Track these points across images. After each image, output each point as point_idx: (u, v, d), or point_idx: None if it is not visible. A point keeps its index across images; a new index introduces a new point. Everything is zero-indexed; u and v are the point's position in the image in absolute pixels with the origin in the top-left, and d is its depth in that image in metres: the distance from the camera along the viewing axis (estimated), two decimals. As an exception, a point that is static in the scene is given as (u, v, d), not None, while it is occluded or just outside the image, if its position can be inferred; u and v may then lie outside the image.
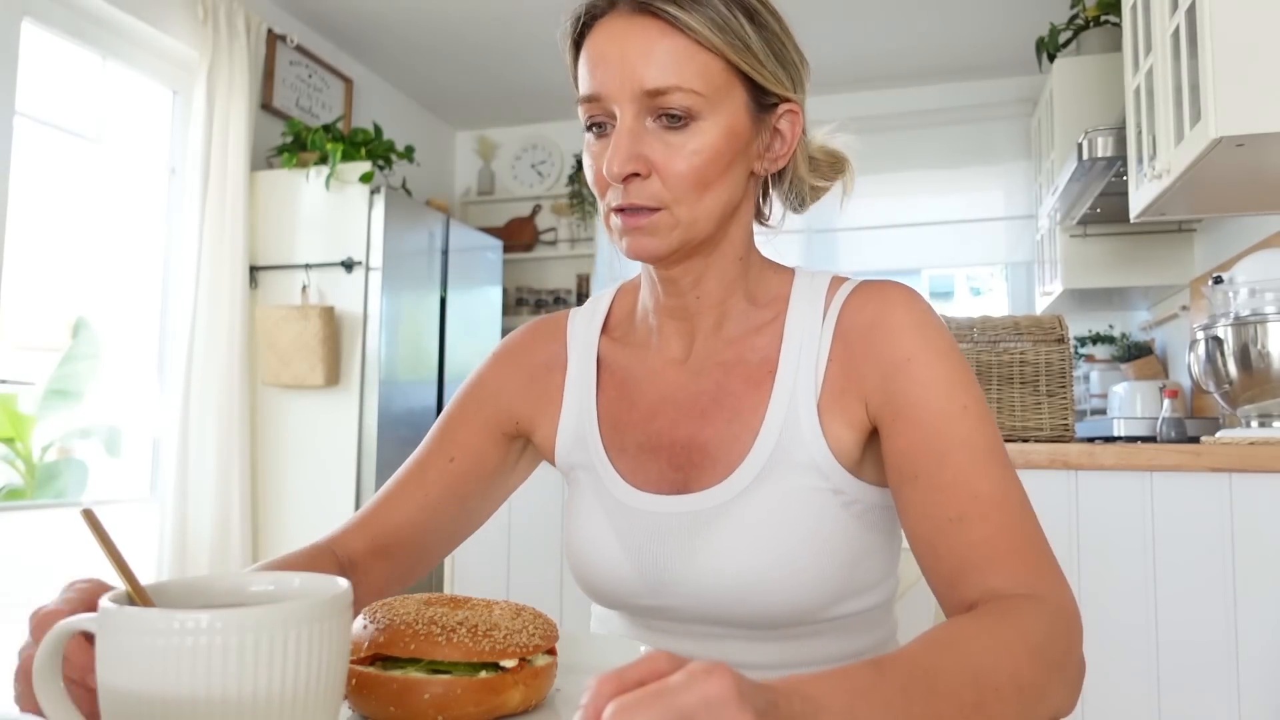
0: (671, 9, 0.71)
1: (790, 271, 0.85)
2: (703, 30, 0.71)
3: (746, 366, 0.81)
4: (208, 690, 0.41)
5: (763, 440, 0.77)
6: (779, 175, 0.83)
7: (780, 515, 0.75)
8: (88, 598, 0.55)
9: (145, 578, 0.50)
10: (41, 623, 0.53)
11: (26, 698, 0.53)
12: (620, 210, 0.73)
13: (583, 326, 0.89)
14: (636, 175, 0.72)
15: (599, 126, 0.75)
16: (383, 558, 0.85)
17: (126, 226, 3.01)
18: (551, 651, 0.58)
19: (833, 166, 0.87)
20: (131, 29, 2.98)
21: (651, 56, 0.71)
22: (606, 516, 0.82)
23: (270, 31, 3.50)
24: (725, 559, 0.75)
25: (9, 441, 2.77)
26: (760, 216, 0.85)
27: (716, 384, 0.81)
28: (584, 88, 0.74)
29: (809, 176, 0.85)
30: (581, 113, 0.76)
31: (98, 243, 2.92)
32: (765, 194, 0.85)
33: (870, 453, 0.78)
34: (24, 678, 0.53)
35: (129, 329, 3.03)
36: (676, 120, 0.72)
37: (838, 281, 0.82)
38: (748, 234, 0.82)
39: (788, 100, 0.78)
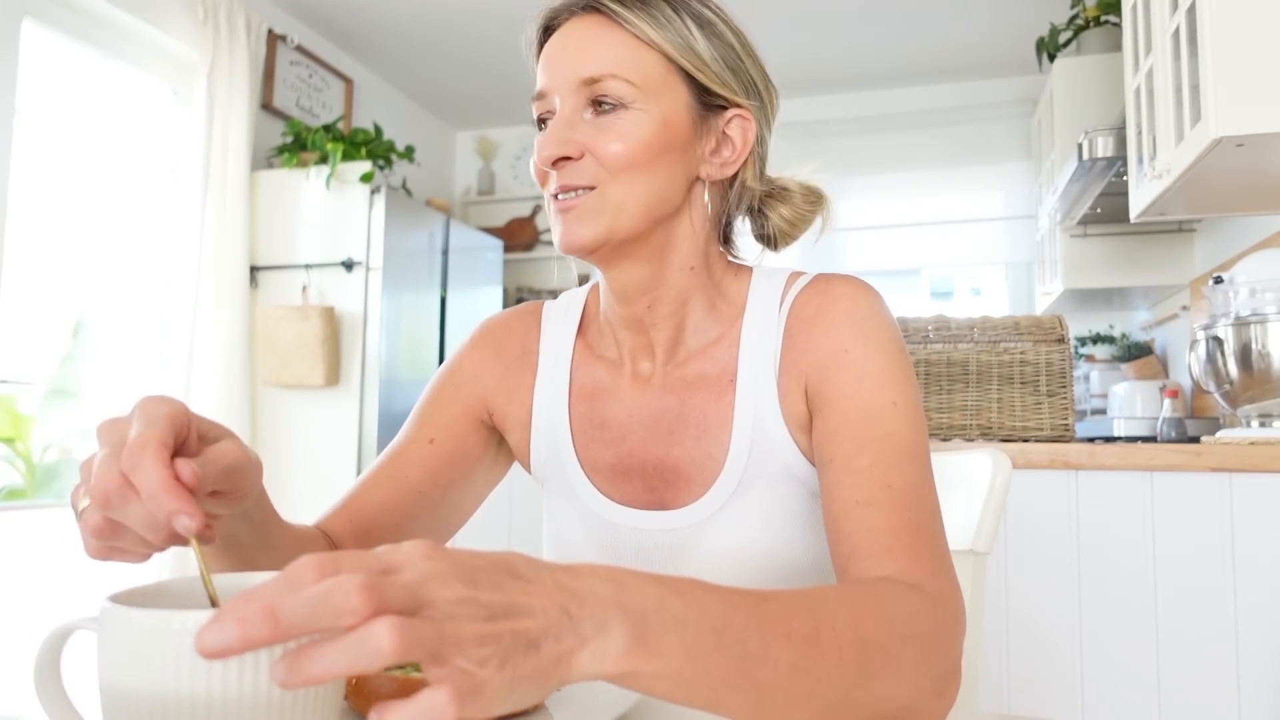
0: (614, 5, 0.74)
1: (749, 273, 0.84)
2: (642, 25, 0.74)
3: (707, 380, 0.80)
4: (208, 690, 0.41)
5: (734, 454, 0.77)
6: (732, 189, 0.81)
7: (763, 526, 0.75)
8: (176, 425, 0.51)
9: (146, 577, 0.50)
10: (110, 429, 0.51)
11: (107, 529, 0.50)
12: (556, 197, 0.75)
13: (556, 325, 0.88)
14: (568, 159, 0.73)
15: (544, 122, 0.77)
16: (363, 542, 0.82)
17: (126, 226, 3.01)
18: (552, 651, 0.58)
19: (808, 200, 0.86)
20: (132, 29, 2.98)
21: (590, 49, 0.74)
22: (589, 534, 0.81)
23: (270, 31, 3.50)
24: (711, 576, 0.73)
25: (9, 441, 2.77)
26: (727, 243, 0.84)
27: (680, 401, 0.80)
28: (536, 85, 0.78)
29: (780, 206, 0.84)
30: (533, 112, 0.78)
31: (98, 243, 2.92)
32: (730, 220, 0.84)
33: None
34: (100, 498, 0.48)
35: (129, 329, 3.03)
36: (608, 107, 0.73)
37: (793, 278, 0.81)
38: (700, 245, 0.80)
39: (736, 105, 0.78)
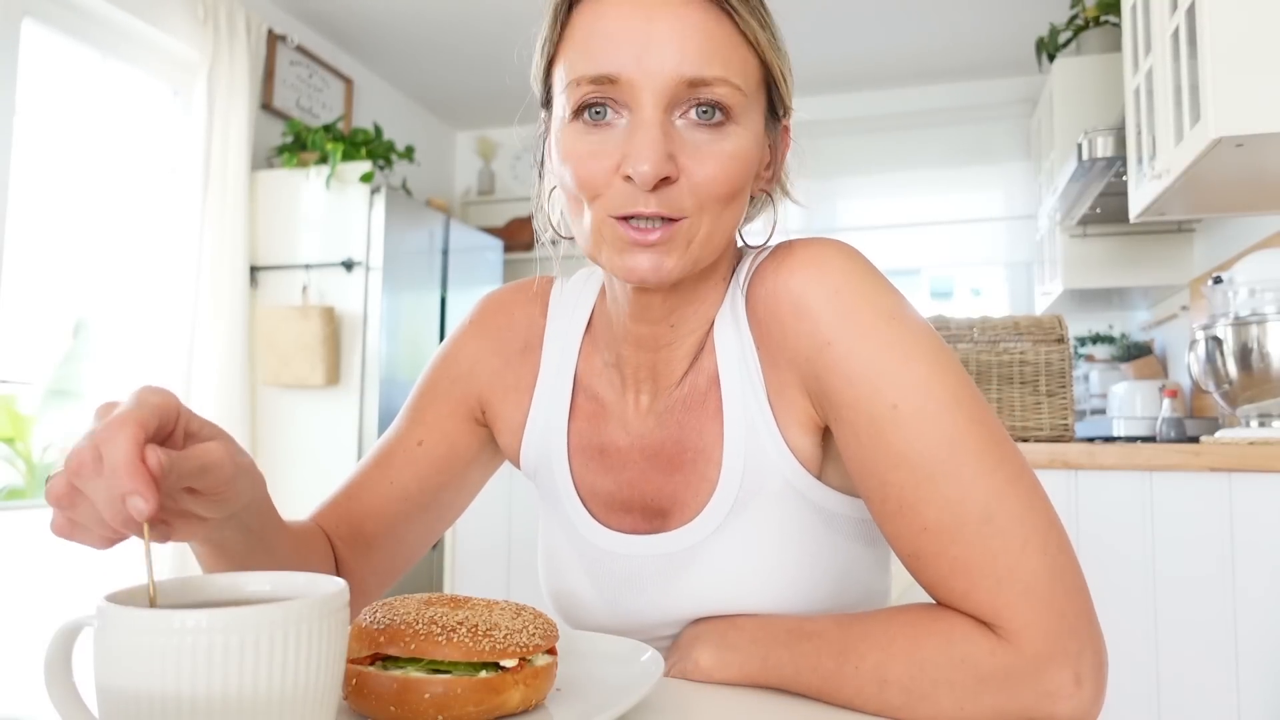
0: None
1: (739, 255, 0.74)
2: (751, 21, 0.62)
3: (699, 395, 0.71)
4: (207, 690, 0.41)
5: (727, 474, 0.68)
6: (774, 199, 0.75)
7: (759, 548, 0.67)
8: (162, 414, 0.51)
9: (144, 576, 0.50)
10: (106, 412, 0.50)
11: (66, 496, 0.49)
12: (630, 218, 0.61)
13: (564, 321, 0.79)
14: (665, 180, 0.60)
15: (596, 111, 0.62)
16: (352, 547, 0.79)
17: (126, 226, 3.01)
18: (551, 651, 0.58)
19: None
20: (132, 29, 2.98)
21: (693, 39, 0.60)
22: (579, 559, 0.75)
23: (270, 31, 3.50)
24: (706, 602, 0.69)
25: (9, 441, 2.77)
26: None
27: (678, 424, 0.71)
28: (592, 66, 0.61)
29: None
30: (573, 93, 0.62)
31: (98, 243, 2.92)
32: None
33: (830, 454, 0.69)
34: (69, 477, 0.48)
35: (129, 329, 3.03)
36: (711, 116, 0.61)
37: (760, 252, 0.71)
38: (735, 258, 0.73)
39: (787, 114, 0.70)
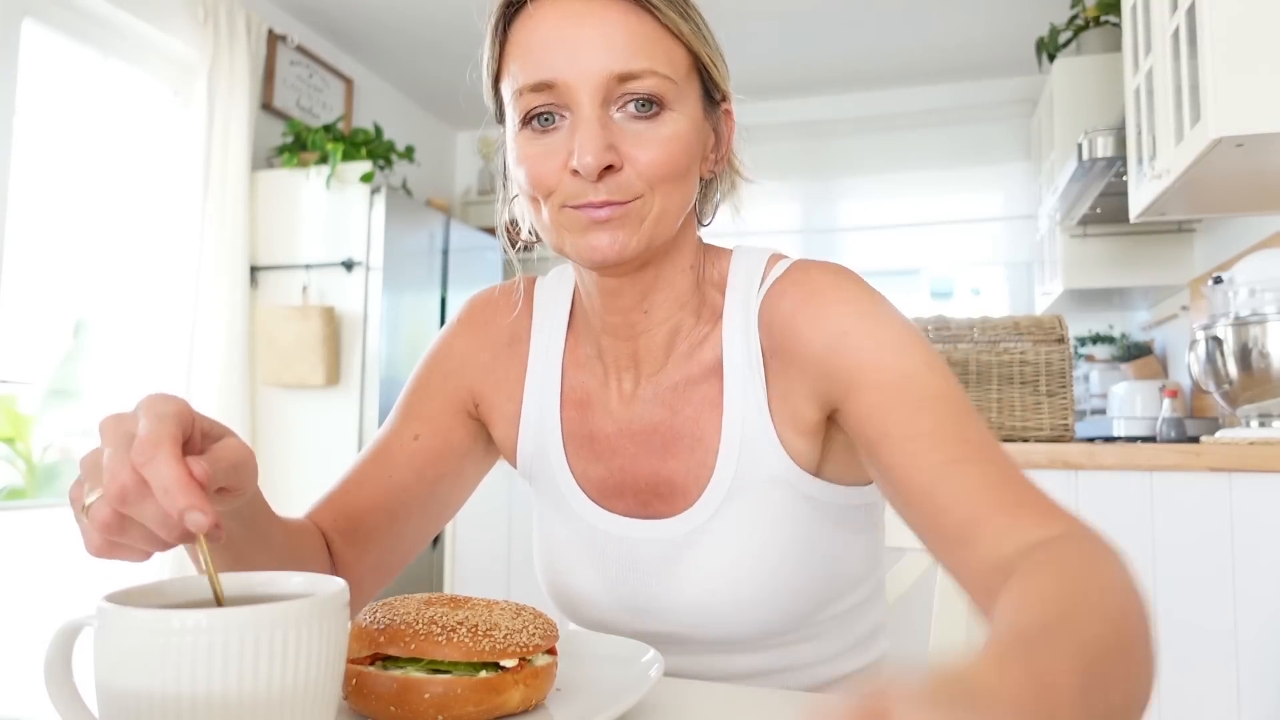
0: None
1: (728, 258, 0.78)
2: (671, 14, 0.66)
3: (695, 384, 0.75)
4: (207, 689, 0.41)
5: (723, 463, 0.72)
6: (721, 181, 0.78)
7: (755, 533, 0.72)
8: (183, 423, 0.50)
9: (146, 577, 0.50)
10: (115, 426, 0.50)
11: (114, 524, 0.49)
12: (584, 206, 0.66)
13: (548, 314, 0.83)
14: (609, 168, 0.65)
15: (543, 119, 0.67)
16: (350, 542, 0.80)
17: (126, 226, 3.01)
18: (551, 651, 0.58)
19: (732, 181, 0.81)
20: (132, 29, 2.98)
21: (618, 38, 0.65)
22: (579, 543, 0.78)
23: (270, 32, 3.50)
24: (705, 584, 0.72)
25: (9, 441, 2.77)
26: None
27: (671, 410, 0.75)
28: (530, 74, 0.66)
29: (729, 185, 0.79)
30: (519, 103, 0.67)
31: (98, 243, 2.92)
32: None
33: (830, 452, 0.74)
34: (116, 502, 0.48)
35: (129, 329, 3.03)
36: (647, 108, 0.66)
37: (772, 262, 0.75)
38: (695, 241, 0.77)
39: (726, 98, 0.74)
